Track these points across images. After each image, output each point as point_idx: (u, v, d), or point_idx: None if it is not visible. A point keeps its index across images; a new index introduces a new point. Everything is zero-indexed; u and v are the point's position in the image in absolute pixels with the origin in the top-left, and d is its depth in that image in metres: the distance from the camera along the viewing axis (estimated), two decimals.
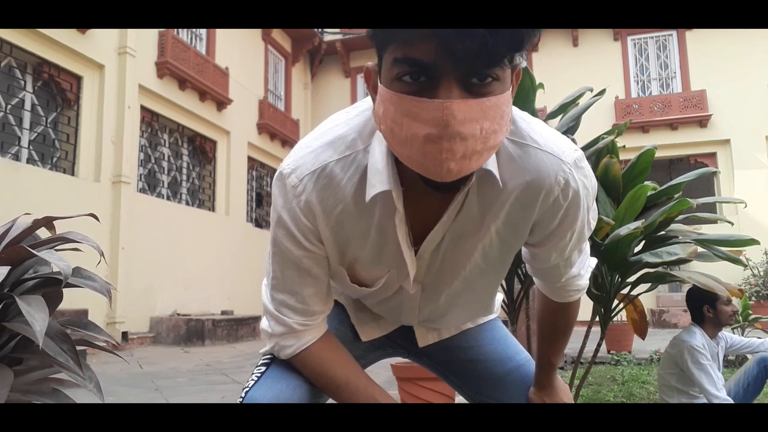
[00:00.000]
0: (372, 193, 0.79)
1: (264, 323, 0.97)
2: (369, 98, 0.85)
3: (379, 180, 0.79)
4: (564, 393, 1.10)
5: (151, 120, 8.27)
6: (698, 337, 2.56)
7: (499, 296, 1.20)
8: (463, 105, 0.63)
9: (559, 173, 0.81)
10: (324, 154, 0.83)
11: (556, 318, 1.07)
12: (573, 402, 1.16)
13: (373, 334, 1.12)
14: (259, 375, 0.95)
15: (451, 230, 0.87)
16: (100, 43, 7.10)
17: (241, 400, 0.91)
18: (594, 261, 1.06)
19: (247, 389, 0.93)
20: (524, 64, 0.78)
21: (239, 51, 10.35)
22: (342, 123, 0.86)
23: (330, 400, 0.98)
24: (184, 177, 9.15)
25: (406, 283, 0.94)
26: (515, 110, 0.81)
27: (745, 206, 2.75)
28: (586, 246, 0.99)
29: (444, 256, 0.91)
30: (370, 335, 1.11)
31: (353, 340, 1.10)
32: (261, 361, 0.99)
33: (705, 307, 2.63)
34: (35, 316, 0.99)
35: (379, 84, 0.71)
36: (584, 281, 1.01)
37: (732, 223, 2.39)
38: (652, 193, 2.19)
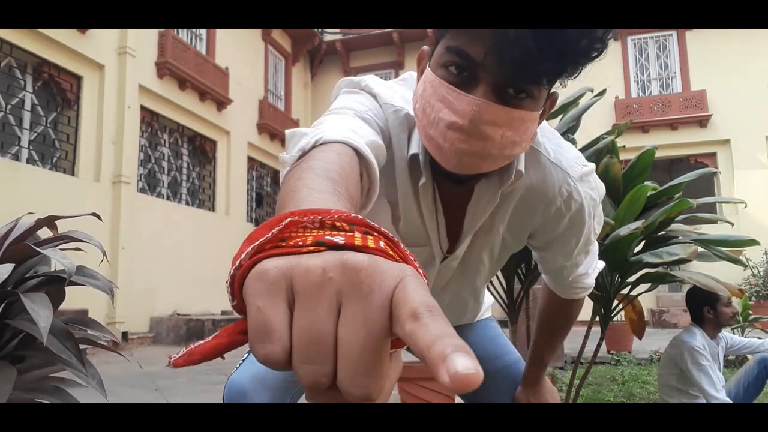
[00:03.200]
0: (414, 150, 0.79)
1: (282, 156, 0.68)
2: (409, 92, 0.85)
3: (417, 144, 0.79)
4: (550, 393, 1.13)
5: (151, 120, 8.27)
6: (698, 338, 2.56)
7: (489, 298, 1.23)
8: (492, 108, 0.67)
9: (563, 186, 0.84)
10: (401, 102, 0.82)
11: (557, 315, 1.09)
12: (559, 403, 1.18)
13: None
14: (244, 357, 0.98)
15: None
16: (100, 43, 7.10)
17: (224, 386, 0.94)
18: (602, 264, 1.08)
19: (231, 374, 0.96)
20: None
21: (239, 51, 10.34)
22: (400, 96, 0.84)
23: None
24: (184, 177, 9.14)
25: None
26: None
27: (745, 206, 2.75)
28: (594, 247, 1.01)
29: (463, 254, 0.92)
30: None
31: None
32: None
33: (705, 308, 2.63)
34: (39, 313, 0.99)
35: (427, 67, 0.75)
36: (591, 280, 1.03)
37: (732, 224, 2.38)
38: (652, 193, 2.19)
